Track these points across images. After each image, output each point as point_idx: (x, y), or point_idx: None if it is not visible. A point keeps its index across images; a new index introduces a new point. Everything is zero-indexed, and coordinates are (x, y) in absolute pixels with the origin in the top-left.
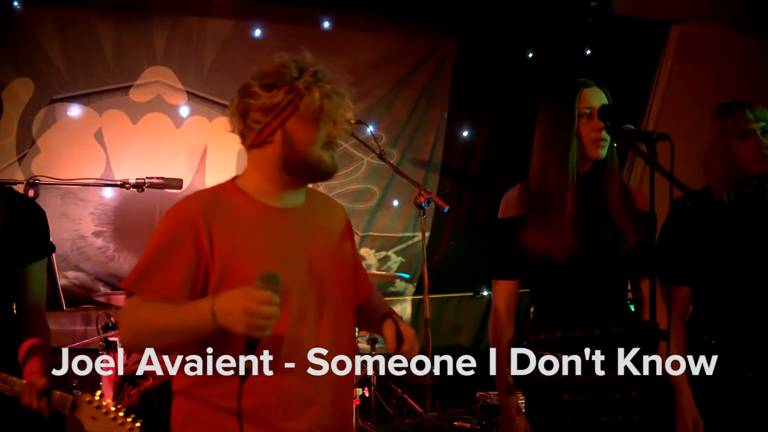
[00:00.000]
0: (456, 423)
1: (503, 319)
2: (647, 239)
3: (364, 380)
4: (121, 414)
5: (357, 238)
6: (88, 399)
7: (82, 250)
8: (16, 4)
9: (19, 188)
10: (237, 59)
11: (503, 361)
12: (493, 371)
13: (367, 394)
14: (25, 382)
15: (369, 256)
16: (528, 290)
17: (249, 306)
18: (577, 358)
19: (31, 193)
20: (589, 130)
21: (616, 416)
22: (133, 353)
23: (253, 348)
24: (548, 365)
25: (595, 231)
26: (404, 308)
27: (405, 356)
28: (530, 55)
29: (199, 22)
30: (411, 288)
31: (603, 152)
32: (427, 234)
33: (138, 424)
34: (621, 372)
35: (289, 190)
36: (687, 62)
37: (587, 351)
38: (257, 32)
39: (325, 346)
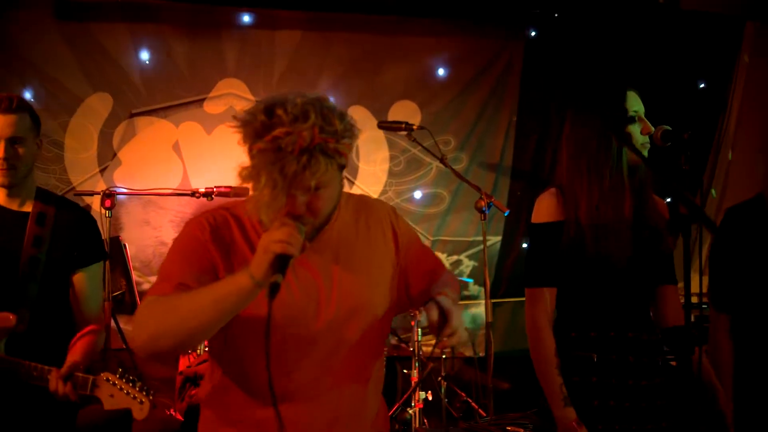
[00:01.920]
0: (509, 428)
1: (547, 328)
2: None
3: (428, 383)
4: (135, 389)
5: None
6: (106, 378)
7: (163, 256)
8: (89, 20)
9: (96, 199)
10: (306, 69)
11: (554, 371)
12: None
13: (430, 398)
14: (47, 368)
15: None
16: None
17: (274, 233)
18: (610, 360)
19: (108, 203)
20: (638, 134)
21: (645, 425)
22: (154, 354)
23: (283, 265)
24: (582, 363)
25: (639, 235)
26: (478, 312)
27: (447, 341)
28: (600, 54)
29: (268, 34)
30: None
31: (645, 154)
32: (499, 238)
33: (151, 397)
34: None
35: None
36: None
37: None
38: (324, 41)
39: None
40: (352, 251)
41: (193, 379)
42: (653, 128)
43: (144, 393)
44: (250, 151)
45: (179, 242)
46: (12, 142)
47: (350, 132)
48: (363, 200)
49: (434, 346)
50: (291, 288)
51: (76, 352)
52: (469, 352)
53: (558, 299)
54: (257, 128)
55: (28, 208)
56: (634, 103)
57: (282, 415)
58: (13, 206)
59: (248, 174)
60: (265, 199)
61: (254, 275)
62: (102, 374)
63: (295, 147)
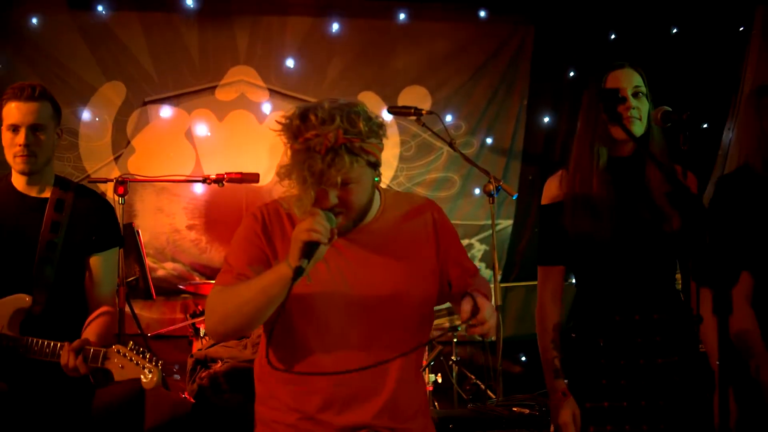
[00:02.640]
0: (515, 409)
1: (549, 304)
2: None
3: (438, 366)
4: (145, 359)
5: None
6: (116, 350)
7: (177, 243)
8: (100, 9)
9: (109, 186)
10: (316, 55)
11: (550, 345)
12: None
13: (440, 380)
14: (59, 344)
15: None
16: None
17: (303, 224)
18: (616, 343)
19: (120, 190)
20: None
21: (657, 401)
22: (222, 335)
23: (311, 252)
24: (588, 348)
25: (635, 213)
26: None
27: (475, 330)
28: (612, 36)
29: (279, 21)
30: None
31: (637, 129)
32: (511, 221)
33: (159, 367)
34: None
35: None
36: None
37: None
38: (335, 27)
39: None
40: (393, 245)
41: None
42: (633, 104)
43: (153, 363)
44: (288, 151)
45: (239, 234)
46: (33, 129)
47: (376, 133)
48: (410, 198)
49: (465, 331)
50: (329, 271)
51: (89, 332)
52: (480, 336)
53: (576, 281)
54: (293, 131)
55: (46, 194)
56: (615, 81)
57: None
58: (32, 193)
59: (284, 172)
60: (296, 194)
61: (291, 263)
62: (113, 346)
63: (321, 147)
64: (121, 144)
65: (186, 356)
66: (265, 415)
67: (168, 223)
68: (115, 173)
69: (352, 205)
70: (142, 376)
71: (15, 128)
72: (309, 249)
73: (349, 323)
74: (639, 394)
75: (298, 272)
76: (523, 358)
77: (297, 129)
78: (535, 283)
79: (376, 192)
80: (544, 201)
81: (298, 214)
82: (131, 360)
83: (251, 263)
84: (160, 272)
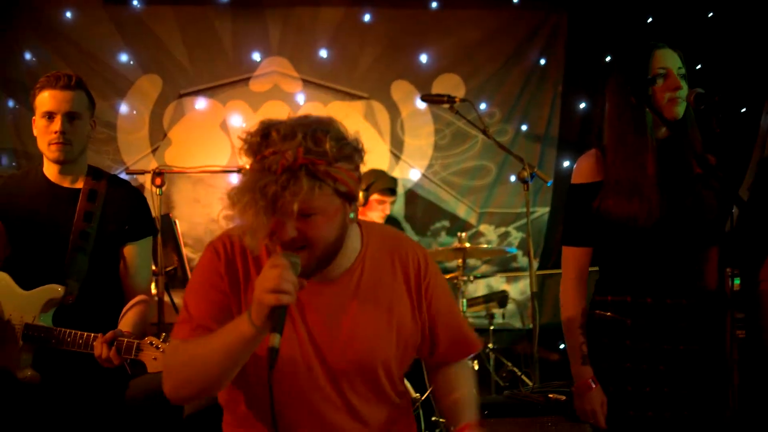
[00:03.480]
0: (551, 395)
1: (576, 287)
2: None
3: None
4: None
5: (474, 215)
6: (149, 341)
7: (214, 233)
8: (135, 3)
9: (147, 177)
10: (348, 45)
11: (577, 330)
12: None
13: (476, 367)
14: (93, 335)
15: (489, 232)
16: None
17: (266, 280)
18: (644, 325)
19: (158, 181)
20: (664, 90)
21: (680, 389)
22: (181, 400)
23: (280, 318)
24: (616, 327)
25: (679, 198)
26: (527, 284)
27: None
28: (649, 20)
29: (311, 11)
30: (534, 263)
31: (680, 110)
32: (548, 209)
33: None
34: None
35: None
36: None
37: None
38: (367, 17)
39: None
40: (372, 298)
41: None
42: (682, 85)
43: None
44: (246, 170)
45: (198, 273)
46: (69, 117)
47: (349, 157)
48: (397, 240)
49: None
50: (293, 329)
51: (125, 322)
52: (518, 324)
53: (599, 261)
54: (254, 148)
55: (79, 185)
56: (662, 61)
57: None
58: (65, 183)
59: (235, 194)
60: (248, 222)
61: (255, 323)
62: (146, 338)
63: (278, 166)
64: (158, 136)
65: None
66: None
67: (205, 214)
68: (153, 165)
69: (315, 241)
70: None
71: (50, 116)
72: (278, 316)
73: (312, 388)
74: (663, 380)
75: (272, 354)
76: (561, 346)
77: (257, 146)
78: None
79: (357, 230)
80: (576, 180)
81: (250, 246)
82: (164, 352)
83: (213, 313)
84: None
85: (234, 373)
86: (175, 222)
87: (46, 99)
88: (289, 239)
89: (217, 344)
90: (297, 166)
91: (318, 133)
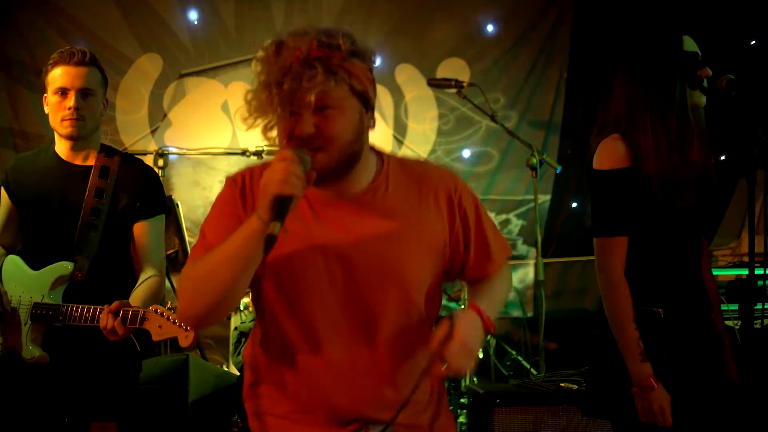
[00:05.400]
0: (563, 384)
1: (621, 280)
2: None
3: None
4: None
5: None
6: (155, 309)
7: None
8: None
9: (149, 158)
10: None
11: (632, 324)
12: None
13: (480, 356)
14: (99, 308)
15: None
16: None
17: (273, 171)
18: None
19: (160, 162)
20: (699, 76)
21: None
22: (195, 319)
23: (282, 208)
24: (649, 318)
25: (709, 186)
26: (527, 272)
27: (435, 369)
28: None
29: None
30: (533, 251)
31: (704, 100)
32: (548, 197)
33: None
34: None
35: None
36: None
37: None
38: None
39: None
40: (396, 213)
41: (248, 334)
42: (710, 72)
43: None
44: (257, 80)
45: (216, 201)
46: (84, 94)
47: (361, 55)
48: (421, 166)
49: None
50: (312, 243)
51: (134, 296)
52: (517, 312)
53: (635, 252)
54: (268, 56)
55: (91, 161)
56: (692, 47)
57: (310, 369)
58: (77, 161)
59: (250, 95)
60: (267, 120)
61: (262, 216)
62: (151, 306)
63: (293, 59)
64: (157, 117)
65: (223, 330)
66: (254, 407)
67: (204, 197)
68: (152, 146)
69: (332, 136)
70: (179, 335)
71: (64, 92)
72: (281, 205)
73: (338, 304)
74: (695, 370)
75: (269, 241)
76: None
77: (272, 53)
78: (572, 258)
79: (374, 154)
80: (606, 166)
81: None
82: (169, 319)
83: (226, 232)
84: None
85: (245, 278)
86: (177, 204)
87: (59, 75)
88: (306, 135)
89: (227, 246)
90: (312, 58)
91: (331, 30)
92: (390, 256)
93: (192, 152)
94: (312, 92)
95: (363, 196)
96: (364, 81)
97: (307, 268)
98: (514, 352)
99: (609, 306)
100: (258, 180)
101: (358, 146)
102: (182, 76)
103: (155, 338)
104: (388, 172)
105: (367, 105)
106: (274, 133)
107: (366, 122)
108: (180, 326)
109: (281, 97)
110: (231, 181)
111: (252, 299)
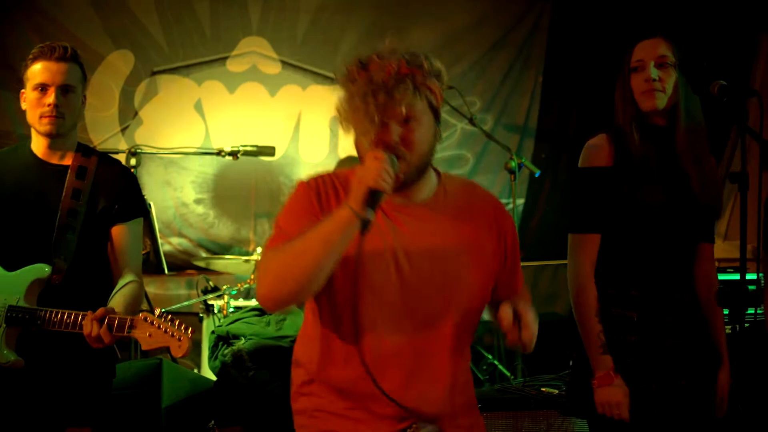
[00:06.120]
0: (543, 389)
1: (588, 275)
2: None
3: None
4: (174, 327)
5: None
6: (144, 317)
7: (184, 217)
8: None
9: (121, 157)
10: (330, 27)
11: (594, 318)
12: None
13: None
14: (81, 314)
15: None
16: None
17: (368, 167)
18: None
19: (132, 161)
20: (638, 83)
21: (689, 381)
22: (278, 300)
23: (375, 200)
24: (621, 322)
25: (679, 187)
26: None
27: (515, 337)
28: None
29: None
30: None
31: (658, 103)
32: (522, 200)
33: (189, 335)
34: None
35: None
36: None
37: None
38: (349, 0)
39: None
40: (455, 223)
41: (226, 339)
42: (656, 77)
43: (183, 330)
44: (348, 92)
45: (291, 201)
46: (64, 90)
47: (438, 75)
48: (471, 185)
49: (505, 342)
50: (384, 245)
51: (115, 302)
52: (488, 315)
53: (600, 252)
54: (351, 72)
55: (68, 161)
56: (639, 53)
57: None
58: (54, 160)
59: (342, 104)
60: (361, 129)
61: (352, 206)
62: (140, 314)
63: (384, 75)
64: (128, 115)
65: (194, 334)
66: (306, 405)
67: (175, 197)
68: (122, 145)
69: (413, 145)
70: (171, 345)
71: (44, 88)
72: (373, 197)
73: (401, 301)
74: (668, 375)
75: (365, 224)
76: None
77: (357, 69)
78: (545, 263)
79: (431, 169)
80: (586, 164)
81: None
82: (159, 328)
83: (307, 226)
84: (166, 247)
85: (329, 265)
86: (150, 205)
87: (39, 71)
88: (394, 142)
89: (318, 231)
90: (402, 74)
91: (413, 51)
92: (453, 259)
93: (165, 151)
94: (402, 104)
95: (427, 203)
96: (439, 98)
97: (375, 265)
98: (490, 356)
99: (574, 299)
100: (331, 187)
101: (429, 158)
102: (154, 73)
103: (144, 347)
104: (445, 185)
105: (439, 120)
106: (367, 139)
107: (437, 136)
108: (172, 335)
109: (377, 108)
110: (305, 184)
111: (314, 297)
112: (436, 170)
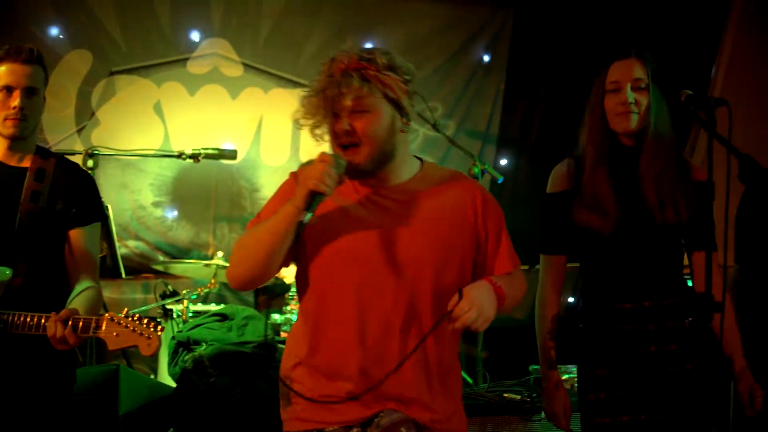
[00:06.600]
0: (506, 395)
1: (549, 294)
2: (702, 210)
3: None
4: (142, 325)
5: None
6: (110, 317)
7: (141, 220)
8: None
9: (78, 159)
10: (293, 31)
11: (548, 335)
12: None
13: None
14: (45, 316)
15: None
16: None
17: (312, 170)
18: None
19: (90, 163)
20: (613, 104)
21: (668, 390)
22: (237, 281)
23: (313, 202)
24: (598, 336)
25: (639, 203)
26: None
27: (458, 318)
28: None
29: None
30: None
31: (631, 124)
32: None
33: (159, 332)
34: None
35: None
36: (752, 34)
37: (638, 323)
38: (313, 4)
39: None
40: (432, 209)
41: (187, 345)
42: (632, 99)
43: (152, 329)
44: (310, 88)
45: (278, 189)
46: (28, 93)
47: (395, 69)
48: (455, 175)
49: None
50: (357, 228)
51: (76, 305)
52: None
53: (581, 271)
54: (323, 70)
55: (26, 163)
56: (614, 75)
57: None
58: (12, 162)
59: (304, 100)
60: (316, 120)
61: (296, 204)
62: (106, 314)
63: (336, 71)
64: (85, 115)
65: None
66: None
67: (133, 200)
68: (78, 146)
69: (366, 135)
70: (140, 343)
71: (9, 90)
72: (312, 199)
73: (380, 275)
74: (648, 383)
75: (301, 226)
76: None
77: (325, 69)
78: None
79: (416, 159)
80: (550, 189)
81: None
82: (127, 327)
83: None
84: (123, 250)
85: (278, 253)
86: (107, 207)
87: (4, 72)
88: (342, 131)
89: (270, 222)
90: (351, 69)
91: (371, 48)
92: (413, 240)
93: (124, 153)
94: (348, 97)
95: (402, 186)
96: (397, 91)
97: (350, 242)
98: None
99: (536, 314)
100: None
101: (390, 145)
102: (113, 73)
103: (111, 347)
104: (426, 171)
105: (401, 111)
106: (320, 131)
107: (398, 125)
108: (141, 334)
109: (325, 101)
110: (291, 175)
111: (295, 277)
112: (420, 159)
